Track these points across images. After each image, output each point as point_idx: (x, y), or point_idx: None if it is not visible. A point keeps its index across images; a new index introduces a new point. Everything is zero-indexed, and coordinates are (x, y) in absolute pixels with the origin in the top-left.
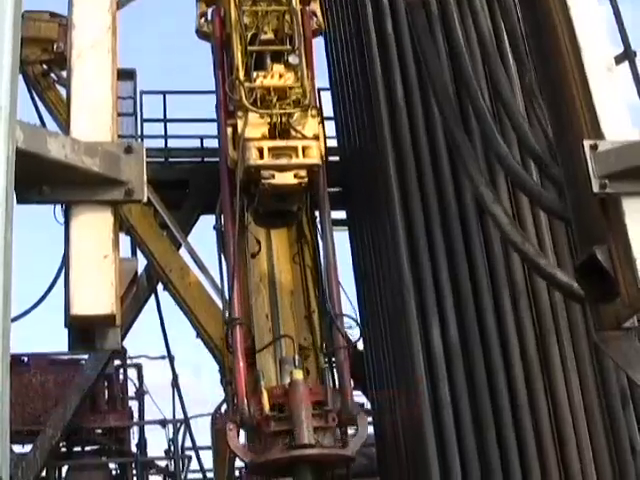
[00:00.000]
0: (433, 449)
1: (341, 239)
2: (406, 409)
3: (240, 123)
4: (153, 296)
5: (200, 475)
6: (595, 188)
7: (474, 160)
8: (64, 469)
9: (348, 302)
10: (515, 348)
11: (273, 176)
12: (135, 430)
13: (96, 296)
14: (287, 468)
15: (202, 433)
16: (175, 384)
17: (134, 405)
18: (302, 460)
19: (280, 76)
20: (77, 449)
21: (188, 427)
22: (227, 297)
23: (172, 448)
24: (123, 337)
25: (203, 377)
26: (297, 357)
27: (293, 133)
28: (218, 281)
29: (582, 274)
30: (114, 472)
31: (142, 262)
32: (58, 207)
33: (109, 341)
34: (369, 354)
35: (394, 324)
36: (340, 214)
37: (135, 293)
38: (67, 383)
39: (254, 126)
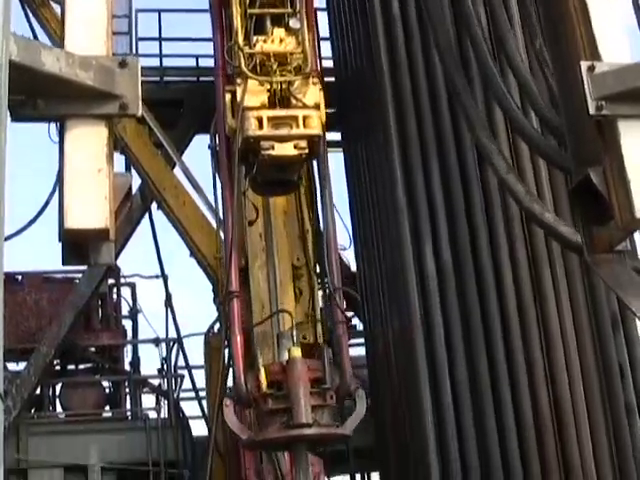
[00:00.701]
0: (424, 370)
1: (336, 161)
2: (398, 331)
3: (239, 91)
4: (147, 215)
5: (192, 394)
6: (591, 110)
7: (474, 109)
8: (58, 387)
9: (342, 224)
10: (507, 271)
11: (273, 147)
12: (128, 349)
13: (90, 210)
14: (284, 445)
15: (195, 352)
16: (168, 303)
17: (128, 324)
18: (300, 439)
19: (280, 41)
20: (71, 367)
21: (181, 346)
22: (221, 218)
23: (165, 367)
24: (117, 255)
25: (197, 296)
26: (294, 332)
27: (293, 101)
28: (212, 201)
29: (576, 197)
30: (107, 390)
31: (136, 181)
32: (53, 126)
33: (103, 256)
34: (362, 275)
35: (387, 246)
36: (335, 135)
37: (129, 209)
38: (61, 301)
39: (253, 93)
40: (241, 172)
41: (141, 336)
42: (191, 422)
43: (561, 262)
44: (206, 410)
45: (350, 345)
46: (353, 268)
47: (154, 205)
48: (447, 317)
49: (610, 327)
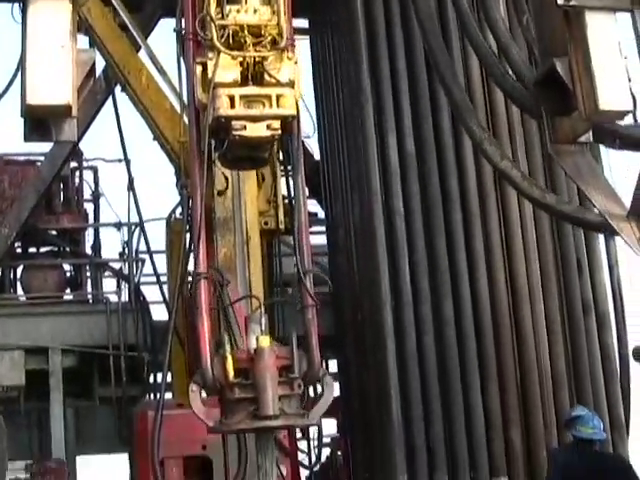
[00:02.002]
0: (384, 257)
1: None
2: (359, 218)
3: (210, 65)
4: (111, 99)
5: (153, 278)
6: (559, 0)
7: (460, 93)
8: (19, 269)
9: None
10: (470, 160)
11: (244, 127)
12: (90, 232)
13: (53, 86)
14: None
15: (157, 237)
16: (131, 187)
17: (89, 207)
18: (266, 430)
19: (255, 11)
20: (32, 250)
21: (143, 230)
22: (185, 101)
23: (126, 251)
24: (80, 138)
25: (159, 182)
26: (264, 320)
27: (267, 78)
28: (177, 85)
29: (541, 88)
30: (68, 273)
31: (101, 64)
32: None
33: (65, 132)
34: (325, 164)
35: (351, 134)
36: (303, 22)
37: (92, 86)
38: (23, 184)
39: (225, 68)
40: (211, 147)
41: (103, 220)
42: (151, 307)
43: (520, 130)
44: (166, 295)
45: (311, 232)
46: (317, 157)
47: (118, 88)
48: (408, 204)
49: (566, 192)
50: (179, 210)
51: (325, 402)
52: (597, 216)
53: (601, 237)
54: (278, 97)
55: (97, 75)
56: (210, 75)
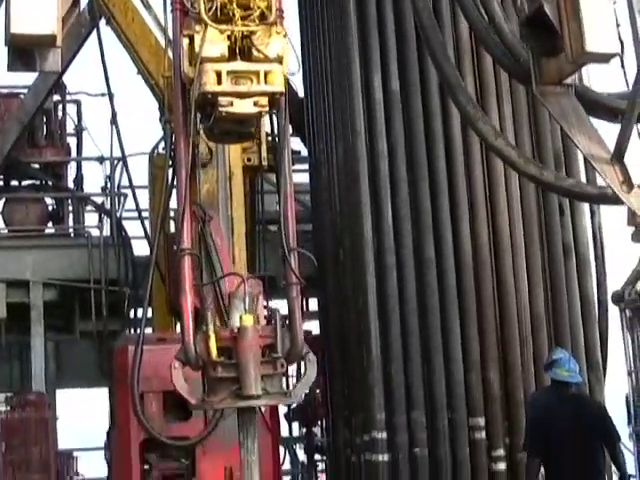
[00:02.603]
0: (366, 194)
1: None
2: (342, 156)
3: (197, 38)
4: (95, 32)
5: (135, 213)
6: None
7: (451, 69)
8: (1, 203)
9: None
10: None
11: (231, 104)
12: (72, 166)
13: (37, 14)
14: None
15: (139, 172)
16: (114, 122)
17: (72, 142)
18: (248, 410)
19: None
20: (14, 183)
21: (125, 165)
22: (169, 38)
23: (108, 185)
24: (64, 71)
25: (143, 117)
26: (247, 299)
27: (255, 53)
28: (162, 20)
29: (529, 29)
30: (50, 207)
31: None
32: None
33: (49, 63)
34: (309, 102)
35: (335, 72)
36: None
37: (77, 19)
38: (6, 116)
39: (213, 43)
40: (196, 120)
41: (85, 154)
42: (133, 242)
43: (509, 98)
44: (148, 230)
45: (294, 171)
46: (301, 94)
47: (102, 22)
48: (392, 146)
49: (553, 163)
50: (162, 145)
51: (308, 380)
52: (596, 188)
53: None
54: (266, 73)
55: (82, 8)
56: (197, 49)
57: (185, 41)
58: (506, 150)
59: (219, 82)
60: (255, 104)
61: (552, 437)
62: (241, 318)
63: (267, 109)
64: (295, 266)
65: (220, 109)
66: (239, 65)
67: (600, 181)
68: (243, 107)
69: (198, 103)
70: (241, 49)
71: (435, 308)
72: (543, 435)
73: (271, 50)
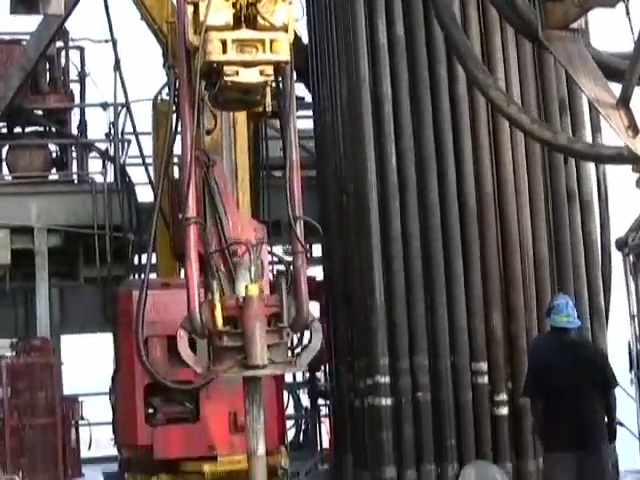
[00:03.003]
0: (371, 145)
1: None
2: (346, 103)
3: (202, 6)
4: None
5: (139, 159)
6: None
7: (462, 40)
8: (4, 149)
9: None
10: None
11: (237, 73)
12: (76, 112)
13: None
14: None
15: (143, 118)
16: (117, 68)
17: (76, 88)
18: (254, 379)
19: None
20: (18, 130)
21: (129, 111)
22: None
23: (112, 131)
24: (66, 17)
25: (146, 63)
26: (253, 269)
27: (260, 21)
28: None
29: None
30: (54, 154)
31: None
32: None
33: (52, 6)
34: (313, 47)
35: (340, 18)
36: None
37: None
38: (8, 63)
39: (217, 10)
40: (201, 88)
41: (89, 100)
42: (137, 188)
43: (514, 44)
44: (152, 176)
45: (298, 117)
46: (305, 40)
47: None
48: (396, 88)
49: (557, 110)
50: (165, 91)
51: (313, 349)
52: (610, 149)
53: (588, 127)
54: (272, 42)
55: None
56: (202, 17)
57: (190, 9)
58: (519, 117)
59: (224, 51)
60: (261, 73)
61: (552, 383)
62: (247, 288)
63: (273, 78)
64: (301, 235)
65: (225, 78)
66: (244, 33)
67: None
68: (249, 76)
69: (203, 72)
70: (246, 17)
71: (439, 253)
72: (543, 381)
73: (277, 18)
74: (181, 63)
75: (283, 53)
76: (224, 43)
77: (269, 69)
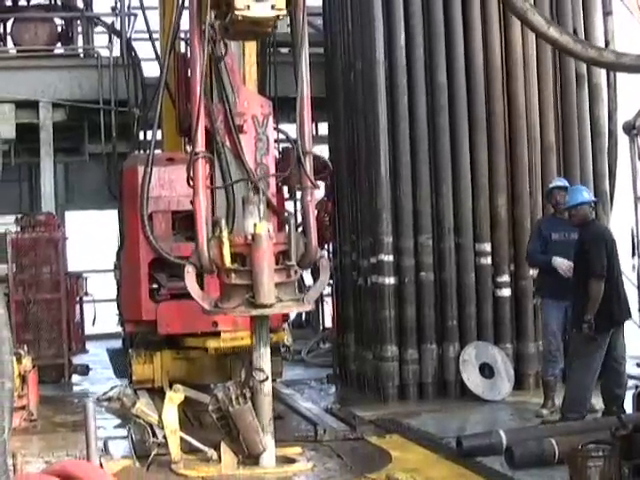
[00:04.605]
0: (380, 21)
1: None
2: None
3: None
4: None
5: (146, 34)
6: None
7: None
8: (9, 22)
9: None
10: None
11: (248, 7)
12: None
13: None
14: None
15: None
16: None
17: None
18: (262, 318)
19: None
20: (23, 3)
21: None
22: None
23: (118, 5)
24: None
25: None
26: (262, 206)
27: None
28: None
29: None
30: (60, 27)
31: None
32: None
33: None
34: None
35: None
36: None
37: None
38: None
39: None
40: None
41: None
42: (143, 63)
43: None
44: (158, 51)
45: None
46: None
47: None
48: None
49: None
50: None
51: (321, 285)
52: None
53: (599, 7)
54: None
55: None
56: None
57: None
58: (561, 38)
59: None
60: (272, 7)
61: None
62: (255, 226)
63: (285, 12)
64: (310, 170)
65: (236, 12)
66: None
67: None
68: (260, 11)
69: (213, 2)
70: None
71: (445, 132)
72: (544, 261)
73: None
74: None
75: None
76: None
77: (281, 3)
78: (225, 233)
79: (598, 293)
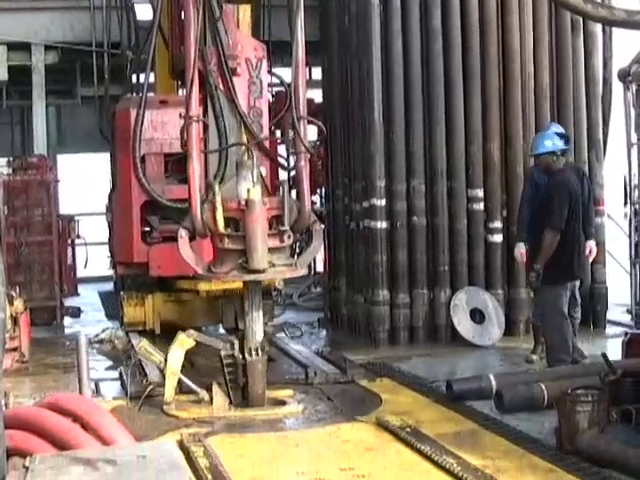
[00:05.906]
0: None
1: None
2: None
3: None
4: None
5: None
6: None
7: None
8: None
9: None
10: None
11: None
12: None
13: None
14: None
15: None
16: None
17: None
18: (254, 283)
19: None
20: None
21: None
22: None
23: None
24: None
25: None
26: (255, 171)
27: None
28: None
29: None
30: None
31: None
32: None
33: None
34: None
35: None
36: None
37: None
38: None
39: None
40: None
41: None
42: (136, 6)
43: None
44: None
45: None
46: None
47: None
48: None
49: None
50: None
51: (313, 250)
52: None
53: None
54: None
55: None
56: None
57: None
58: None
59: None
60: None
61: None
62: (249, 191)
63: None
64: (304, 135)
65: None
66: None
67: None
68: None
69: None
70: None
71: (439, 77)
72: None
73: None
74: None
75: None
76: None
77: None
78: (218, 198)
79: (551, 244)
